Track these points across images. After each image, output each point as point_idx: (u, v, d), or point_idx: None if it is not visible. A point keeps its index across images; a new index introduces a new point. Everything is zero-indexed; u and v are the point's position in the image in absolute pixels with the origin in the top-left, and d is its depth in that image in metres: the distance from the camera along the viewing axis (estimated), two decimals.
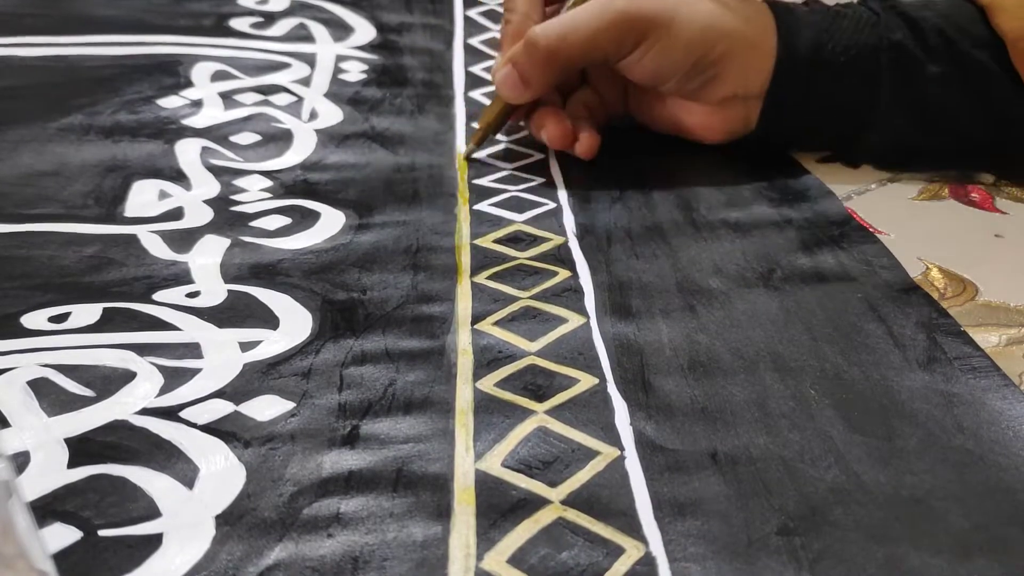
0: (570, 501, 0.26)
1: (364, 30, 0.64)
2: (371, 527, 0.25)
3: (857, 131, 0.45)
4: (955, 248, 0.39)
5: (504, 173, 0.46)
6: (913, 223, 0.41)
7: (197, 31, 0.61)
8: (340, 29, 0.63)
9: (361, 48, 0.61)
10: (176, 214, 0.41)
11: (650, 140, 0.48)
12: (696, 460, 0.28)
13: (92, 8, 0.64)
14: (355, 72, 0.57)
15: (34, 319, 0.34)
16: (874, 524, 0.25)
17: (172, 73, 0.55)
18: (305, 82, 0.55)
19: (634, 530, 0.25)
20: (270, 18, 0.64)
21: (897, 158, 0.46)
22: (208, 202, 0.42)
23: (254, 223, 0.41)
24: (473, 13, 0.67)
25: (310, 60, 0.58)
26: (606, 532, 0.25)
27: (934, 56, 0.43)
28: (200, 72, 0.55)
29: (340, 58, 0.59)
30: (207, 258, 0.38)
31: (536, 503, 0.26)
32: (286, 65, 0.57)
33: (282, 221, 0.41)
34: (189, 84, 0.54)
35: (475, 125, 0.49)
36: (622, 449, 0.28)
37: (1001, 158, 0.47)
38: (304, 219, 0.41)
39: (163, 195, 0.43)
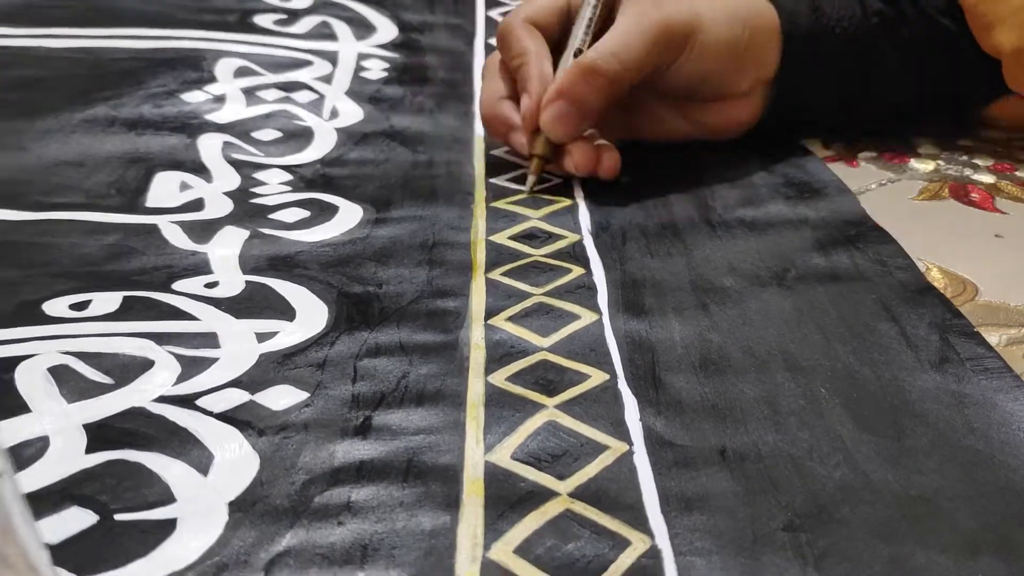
0: (578, 494, 0.26)
1: (386, 29, 0.64)
2: (381, 516, 0.26)
3: (859, 101, 0.47)
4: (955, 248, 0.39)
5: (521, 171, 0.46)
6: (913, 223, 0.41)
7: (221, 27, 0.62)
8: (362, 28, 0.64)
9: (383, 47, 0.61)
10: (196, 205, 0.42)
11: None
12: (705, 456, 0.28)
13: (118, 1, 0.65)
14: (376, 70, 0.58)
15: (55, 306, 0.34)
16: (881, 522, 0.26)
17: (196, 68, 0.56)
18: (327, 79, 0.56)
19: (640, 523, 0.25)
20: (293, 15, 0.65)
21: (888, 125, 0.49)
22: (228, 194, 0.43)
23: (273, 215, 0.41)
24: (495, 14, 0.67)
25: (332, 58, 0.59)
26: (613, 525, 0.25)
27: (908, 22, 0.46)
28: (223, 68, 0.56)
29: (362, 56, 0.59)
30: (226, 249, 0.38)
31: (544, 495, 0.26)
32: (308, 63, 0.58)
33: (301, 214, 0.41)
34: (212, 79, 0.54)
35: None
36: (631, 444, 0.28)
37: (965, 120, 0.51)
38: (322, 212, 0.42)
39: (184, 186, 0.43)
